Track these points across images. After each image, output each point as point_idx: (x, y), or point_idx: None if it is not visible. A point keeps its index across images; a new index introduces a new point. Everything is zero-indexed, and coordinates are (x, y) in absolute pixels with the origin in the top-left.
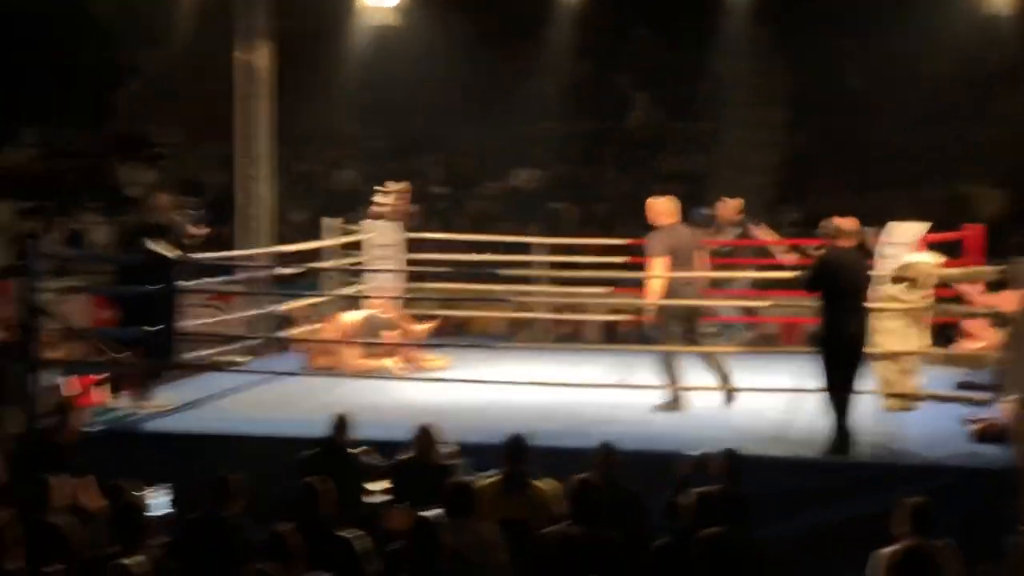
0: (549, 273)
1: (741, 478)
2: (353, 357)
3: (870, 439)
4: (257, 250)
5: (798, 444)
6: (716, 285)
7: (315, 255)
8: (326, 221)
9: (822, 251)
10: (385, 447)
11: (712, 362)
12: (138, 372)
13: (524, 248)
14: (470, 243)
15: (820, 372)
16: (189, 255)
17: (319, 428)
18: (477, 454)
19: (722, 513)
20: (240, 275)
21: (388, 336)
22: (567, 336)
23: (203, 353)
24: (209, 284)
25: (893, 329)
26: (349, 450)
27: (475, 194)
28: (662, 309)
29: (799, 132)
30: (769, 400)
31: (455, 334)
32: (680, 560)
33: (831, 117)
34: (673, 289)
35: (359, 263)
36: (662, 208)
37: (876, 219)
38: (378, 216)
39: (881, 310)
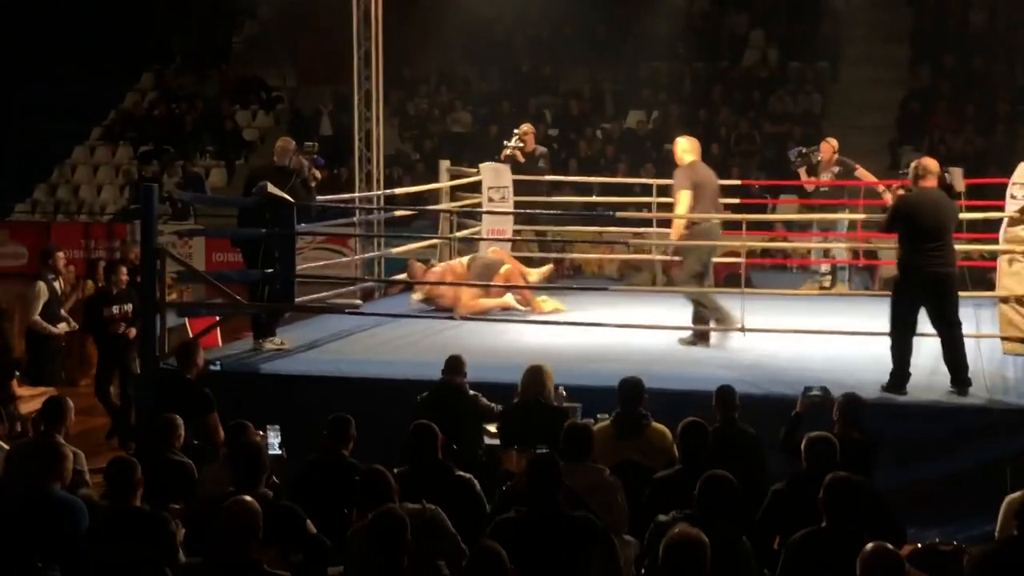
0: (663, 215)
1: (860, 422)
2: (470, 298)
3: (990, 383)
4: (373, 192)
5: (914, 389)
6: (802, 227)
7: (431, 197)
8: (443, 164)
9: (901, 192)
10: (498, 389)
11: (706, 302)
12: (257, 314)
13: (638, 190)
14: (583, 185)
15: (894, 312)
16: (315, 198)
17: (433, 370)
18: (591, 397)
19: (846, 458)
20: (356, 218)
21: (501, 277)
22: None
23: (320, 295)
24: (326, 227)
25: (1017, 271)
26: (463, 392)
27: (588, 135)
28: (685, 247)
29: (920, 70)
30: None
31: (569, 276)
32: (798, 504)
33: (954, 54)
34: (700, 229)
35: (472, 205)
36: (686, 147)
37: (997, 159)
38: (508, 159)
39: (1006, 252)
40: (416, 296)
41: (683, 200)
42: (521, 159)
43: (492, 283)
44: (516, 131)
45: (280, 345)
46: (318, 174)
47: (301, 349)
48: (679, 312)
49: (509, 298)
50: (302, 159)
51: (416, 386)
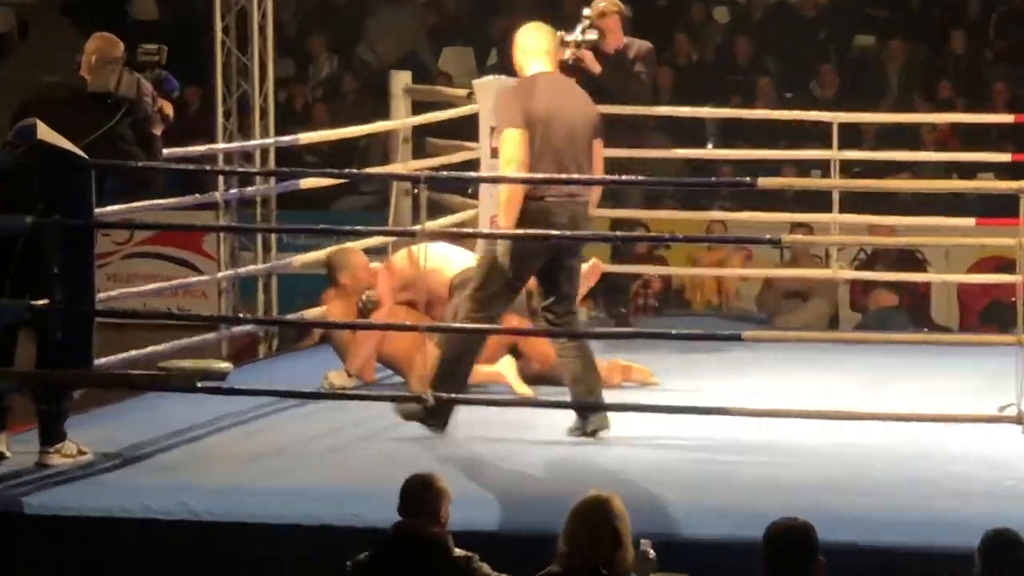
0: (847, 183)
1: None
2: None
3: None
4: (254, 141)
5: None
6: None
7: (373, 150)
8: (396, 78)
9: None
10: (515, 544)
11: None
12: (28, 392)
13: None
14: (685, 122)
15: None
16: (161, 152)
17: (381, 505)
18: (708, 559)
19: None
20: (220, 192)
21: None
22: (882, 311)
23: (146, 351)
24: (156, 210)
25: None
26: (439, 546)
27: (697, 18)
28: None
29: None
30: None
31: (658, 311)
32: None
33: None
34: (534, 208)
35: (460, 165)
36: (529, 43)
37: None
38: (573, 66)
39: None
40: (340, 376)
41: (507, 149)
42: (596, 68)
43: (492, 328)
44: (585, 12)
45: (76, 456)
46: (169, 108)
47: (110, 463)
48: (880, 380)
49: (507, 367)
50: (139, 78)
51: (346, 537)
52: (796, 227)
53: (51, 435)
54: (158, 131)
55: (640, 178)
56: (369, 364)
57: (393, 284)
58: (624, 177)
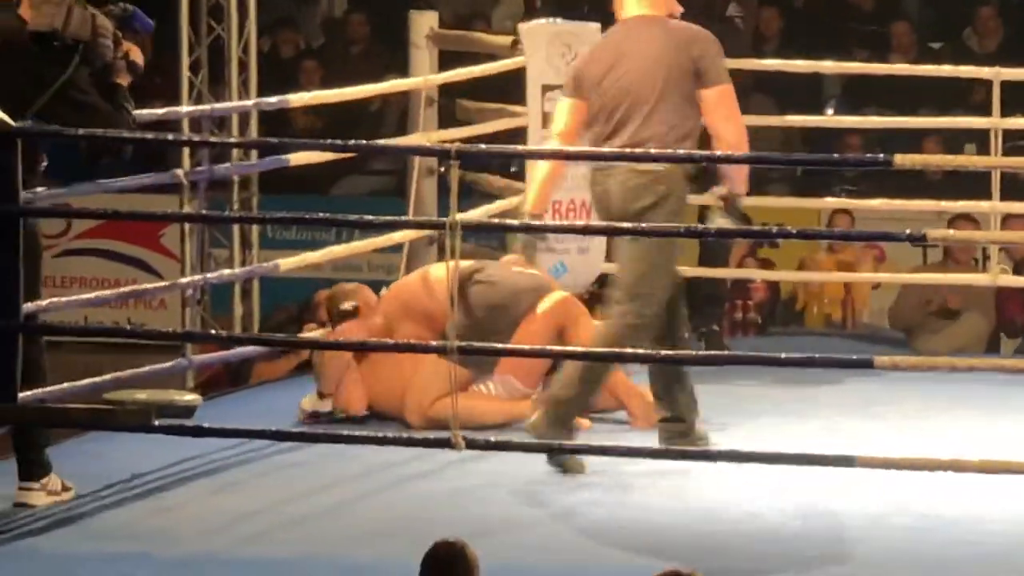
0: (1009, 163)
1: None
2: (437, 387)
3: None
4: (230, 103)
5: None
6: None
7: (385, 118)
8: (417, 20)
9: None
10: None
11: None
12: None
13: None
14: (801, 86)
15: None
16: (131, 113)
17: None
18: None
19: None
20: (185, 170)
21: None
22: None
23: (86, 382)
24: (101, 191)
25: None
26: None
27: None
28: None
29: None
30: None
31: (762, 329)
32: None
33: None
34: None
35: (501, 137)
36: None
37: None
38: None
39: None
40: (310, 400)
41: (557, 120)
42: (677, 9)
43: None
44: None
45: (59, 494)
46: (137, 54)
47: (36, 525)
48: None
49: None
50: (94, 14)
51: None
52: (954, 220)
53: (30, 467)
54: (124, 81)
55: (737, 154)
56: (352, 390)
57: (393, 306)
58: (715, 153)
